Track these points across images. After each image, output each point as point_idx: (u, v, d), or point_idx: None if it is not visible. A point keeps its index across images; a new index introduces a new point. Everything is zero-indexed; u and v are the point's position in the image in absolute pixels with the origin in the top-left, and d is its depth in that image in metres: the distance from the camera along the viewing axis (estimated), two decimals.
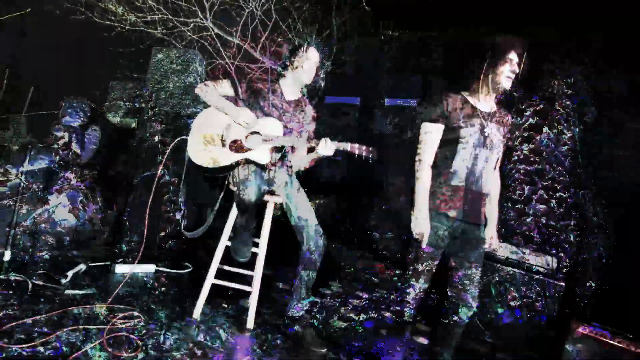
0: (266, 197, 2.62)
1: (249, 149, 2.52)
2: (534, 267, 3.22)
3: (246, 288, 2.64)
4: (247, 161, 2.52)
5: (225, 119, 2.57)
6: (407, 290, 3.04)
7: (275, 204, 2.70)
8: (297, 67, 2.68)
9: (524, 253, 3.25)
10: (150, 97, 3.17)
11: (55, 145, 3.13)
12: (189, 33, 5.97)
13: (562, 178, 3.55)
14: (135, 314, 2.50)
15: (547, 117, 3.59)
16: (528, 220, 3.54)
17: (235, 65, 6.10)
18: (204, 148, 2.54)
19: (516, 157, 3.66)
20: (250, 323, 2.62)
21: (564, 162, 3.60)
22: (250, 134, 2.56)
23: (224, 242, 2.65)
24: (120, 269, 3.08)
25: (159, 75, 3.23)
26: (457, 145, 2.29)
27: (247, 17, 6.07)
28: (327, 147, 2.48)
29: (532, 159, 3.58)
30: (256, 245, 2.67)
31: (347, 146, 2.48)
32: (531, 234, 3.51)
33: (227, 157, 2.51)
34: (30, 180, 2.99)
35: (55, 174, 3.09)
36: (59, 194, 3.03)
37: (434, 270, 2.53)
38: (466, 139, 2.29)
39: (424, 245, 2.33)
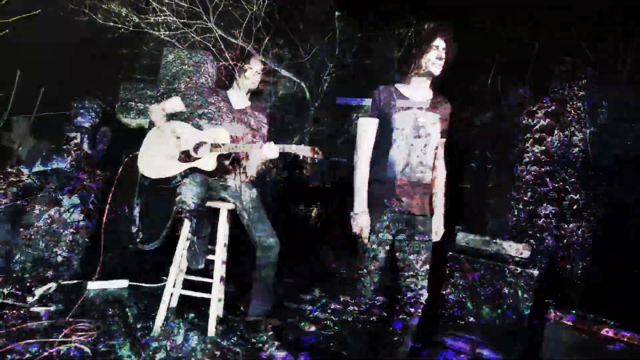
0: (218, 204, 2.69)
1: (197, 158, 2.63)
2: (514, 257, 3.21)
3: (205, 295, 2.64)
4: (193, 169, 2.63)
5: (174, 133, 2.69)
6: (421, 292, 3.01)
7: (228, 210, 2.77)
8: (241, 77, 2.90)
9: (498, 243, 3.24)
10: (161, 97, 3.15)
11: (68, 146, 3.10)
12: (192, 35, 5.95)
13: (572, 180, 3.55)
14: (91, 326, 2.49)
15: (559, 118, 3.60)
16: (540, 222, 3.54)
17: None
18: (155, 161, 2.65)
19: (527, 159, 3.66)
20: (211, 331, 2.60)
21: (575, 163, 3.60)
22: (199, 144, 2.69)
23: (179, 251, 2.67)
24: (93, 285, 3.04)
25: (170, 76, 3.21)
26: (392, 137, 2.33)
27: (250, 19, 6.05)
28: (271, 150, 2.60)
29: (543, 161, 3.58)
30: (212, 252, 2.70)
31: (291, 148, 2.61)
32: (542, 235, 3.51)
33: (175, 168, 2.62)
34: (43, 180, 2.97)
35: (67, 175, 3.07)
36: (72, 194, 3.01)
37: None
38: (400, 130, 2.32)
39: (365, 240, 2.35)
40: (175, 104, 2.79)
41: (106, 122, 3.54)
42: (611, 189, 3.59)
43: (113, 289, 3.09)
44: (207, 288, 2.68)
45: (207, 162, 2.62)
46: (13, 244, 2.86)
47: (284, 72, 6.33)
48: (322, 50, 6.33)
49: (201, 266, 2.66)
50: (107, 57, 5.60)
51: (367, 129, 2.38)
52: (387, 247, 2.33)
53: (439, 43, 2.33)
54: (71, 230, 3.04)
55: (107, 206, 2.89)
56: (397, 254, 2.37)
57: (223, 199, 2.78)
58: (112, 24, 5.35)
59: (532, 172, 3.62)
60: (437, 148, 2.47)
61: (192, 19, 5.80)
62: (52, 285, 2.93)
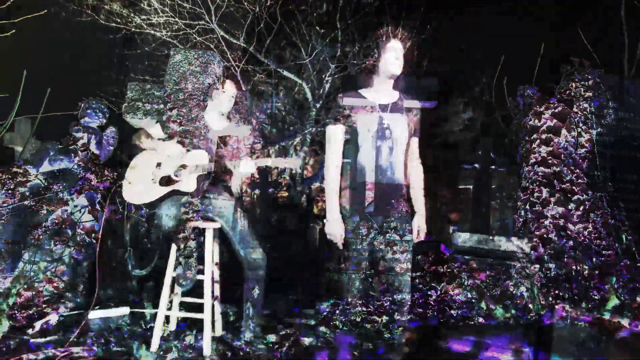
0: (203, 224, 2.73)
1: (177, 181, 2.70)
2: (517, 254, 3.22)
3: (197, 316, 2.65)
4: (174, 192, 2.69)
5: (156, 159, 2.77)
6: (429, 293, 3.00)
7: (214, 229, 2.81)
8: (215, 100, 2.97)
9: (496, 241, 3.24)
10: (168, 98, 3.14)
11: (75, 147, 3.10)
12: (194, 35, 5.94)
13: (580, 180, 3.55)
14: (85, 351, 2.50)
15: (565, 119, 3.60)
16: (546, 222, 3.53)
17: (240, 68, 6.06)
18: (138, 187, 2.71)
19: (534, 160, 3.65)
20: (207, 350, 2.61)
21: (581, 164, 3.60)
22: (179, 167, 2.75)
23: (169, 273, 2.69)
24: (94, 314, 3.03)
25: (177, 77, 3.21)
26: (358, 141, 2.35)
27: (252, 20, 6.05)
28: (247, 166, 2.70)
29: (550, 161, 3.58)
30: (202, 272, 2.71)
31: (267, 161, 2.73)
32: (549, 236, 3.51)
33: (156, 192, 2.69)
34: (50, 181, 2.98)
35: (75, 175, 3.07)
36: (79, 195, 3.01)
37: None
38: (365, 134, 2.34)
39: (340, 246, 2.37)
40: (155, 131, 2.91)
41: (113, 123, 3.54)
42: (618, 188, 3.60)
43: (114, 317, 3.09)
44: (201, 308, 2.66)
45: (188, 184, 2.69)
46: (22, 243, 2.86)
47: (285, 73, 6.32)
48: (324, 51, 6.32)
49: (185, 286, 2.68)
50: (111, 57, 5.58)
51: (334, 135, 2.41)
52: (368, 251, 2.36)
53: (395, 44, 2.38)
54: (79, 230, 3.04)
55: (101, 231, 2.94)
56: (378, 257, 2.38)
57: (208, 219, 2.81)
58: (114, 24, 5.34)
59: (539, 173, 3.62)
60: (408, 148, 2.47)
61: (194, 20, 5.79)
62: (53, 317, 2.95)
